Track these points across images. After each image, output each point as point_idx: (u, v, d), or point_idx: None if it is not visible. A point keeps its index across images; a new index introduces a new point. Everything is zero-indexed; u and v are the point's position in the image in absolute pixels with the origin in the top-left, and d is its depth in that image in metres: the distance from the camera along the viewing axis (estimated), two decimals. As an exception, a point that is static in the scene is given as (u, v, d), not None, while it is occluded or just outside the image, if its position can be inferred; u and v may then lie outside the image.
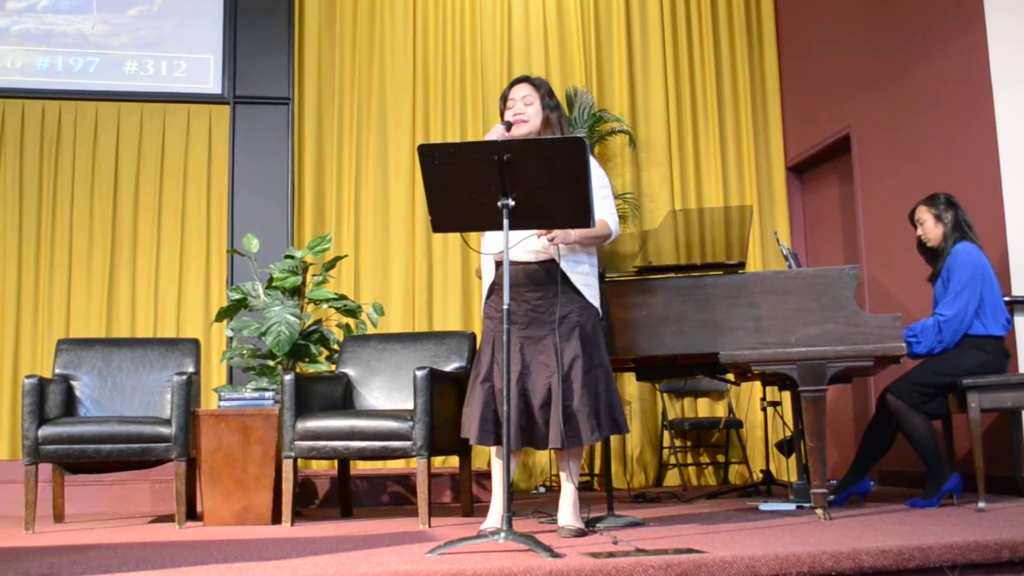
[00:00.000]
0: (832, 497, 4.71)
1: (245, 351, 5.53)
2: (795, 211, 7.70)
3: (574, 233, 3.74)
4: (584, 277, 3.84)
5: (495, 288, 3.88)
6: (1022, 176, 5.28)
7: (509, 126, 3.82)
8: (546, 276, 3.78)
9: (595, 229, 3.78)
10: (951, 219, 4.83)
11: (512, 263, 3.77)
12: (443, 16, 7.60)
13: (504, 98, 3.95)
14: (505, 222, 3.36)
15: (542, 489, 6.76)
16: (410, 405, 4.72)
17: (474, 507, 5.03)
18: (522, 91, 3.91)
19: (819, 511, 4.07)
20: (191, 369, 5.19)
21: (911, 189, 5.97)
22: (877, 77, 6.52)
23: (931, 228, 4.89)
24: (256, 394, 4.83)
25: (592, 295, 3.85)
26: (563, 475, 3.85)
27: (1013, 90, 5.36)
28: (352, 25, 7.51)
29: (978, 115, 5.49)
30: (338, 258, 5.78)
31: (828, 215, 7.42)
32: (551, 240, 3.71)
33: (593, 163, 3.96)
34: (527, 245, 3.74)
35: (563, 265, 3.77)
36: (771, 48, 7.89)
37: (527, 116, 3.86)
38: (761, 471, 6.29)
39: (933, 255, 4.94)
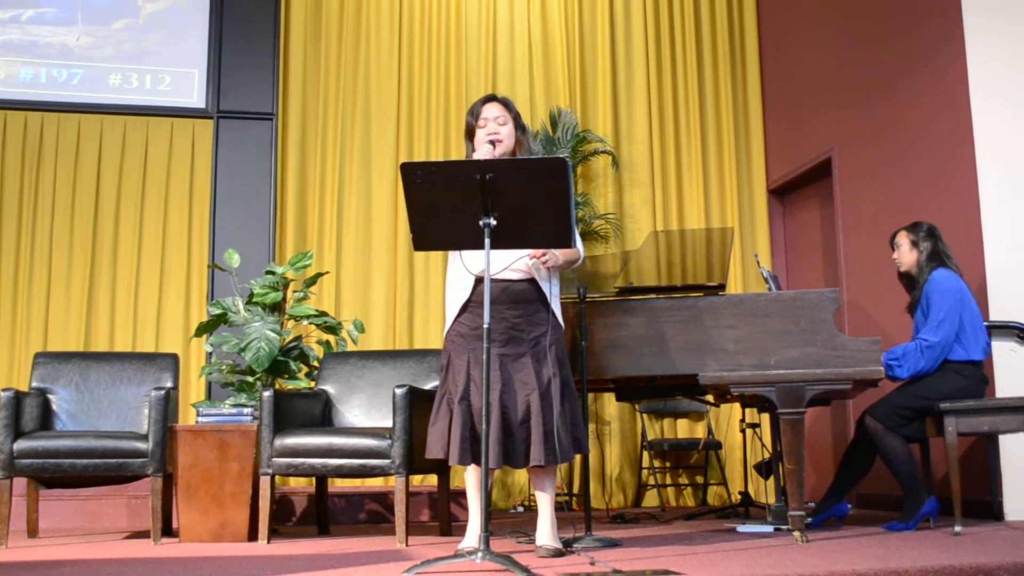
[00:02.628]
0: (810, 519, 4.72)
1: (224, 367, 5.51)
2: (776, 234, 7.75)
3: (560, 256, 3.78)
4: (556, 299, 3.88)
5: (470, 306, 3.85)
6: (1000, 199, 5.33)
7: (494, 144, 3.84)
8: (527, 295, 3.80)
9: (572, 253, 3.84)
10: (928, 248, 4.87)
11: (493, 280, 3.77)
12: (428, 34, 7.63)
13: (475, 115, 3.95)
14: (486, 241, 3.37)
15: (520, 508, 6.75)
16: (389, 423, 4.70)
17: (452, 526, 5.02)
18: (495, 111, 3.92)
19: (796, 533, 4.08)
20: (169, 384, 5.16)
21: (892, 213, 6.01)
22: (859, 100, 6.58)
23: (906, 253, 4.93)
24: (234, 410, 4.80)
25: (560, 315, 3.89)
26: (540, 495, 3.84)
27: (991, 108, 5.41)
28: (337, 42, 7.52)
29: (956, 135, 5.54)
30: (319, 275, 5.77)
31: (809, 238, 7.46)
32: (543, 262, 3.73)
33: None
34: (511, 264, 3.76)
35: (543, 285, 3.81)
36: (754, 71, 7.95)
37: (502, 136, 3.88)
38: (739, 493, 6.29)
39: (910, 283, 4.98)
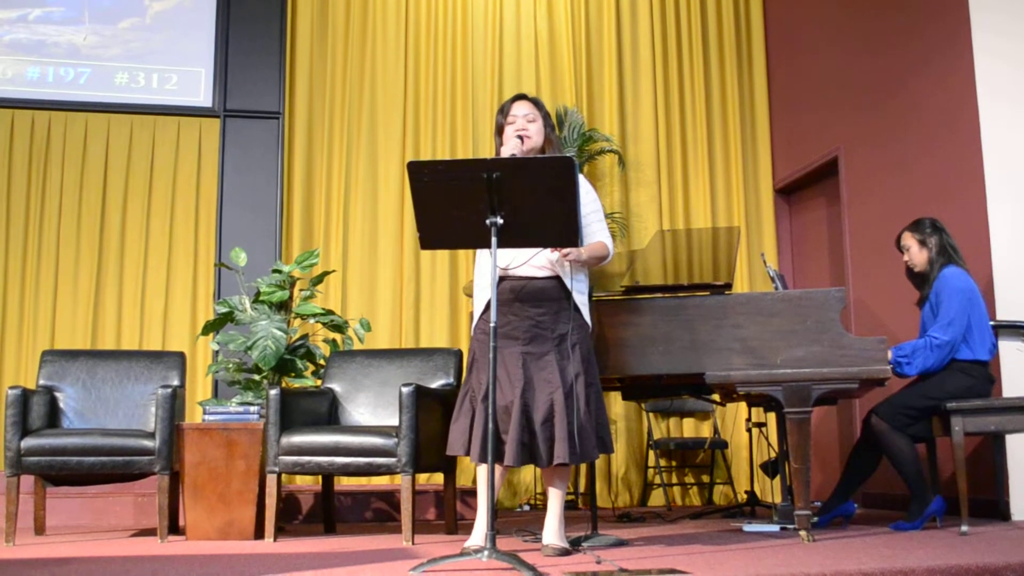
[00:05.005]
0: (816, 519, 4.72)
1: (231, 365, 5.52)
2: (782, 233, 7.74)
3: (585, 252, 3.77)
4: (582, 296, 3.87)
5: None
6: (1007, 199, 5.32)
7: (522, 140, 3.85)
8: (551, 292, 3.80)
9: (598, 249, 3.85)
10: (936, 243, 4.86)
11: (517, 278, 3.78)
12: (435, 33, 7.63)
13: (504, 112, 3.97)
14: (493, 240, 3.38)
15: (526, 507, 6.75)
16: (395, 421, 4.71)
17: (458, 524, 5.02)
18: (524, 108, 3.94)
19: (803, 533, 4.08)
20: (176, 382, 5.17)
21: (898, 212, 6.00)
22: (866, 100, 6.57)
23: (916, 253, 4.92)
24: (241, 408, 4.81)
25: (587, 314, 3.88)
26: (551, 492, 3.84)
27: (998, 108, 5.40)
28: (344, 41, 7.53)
29: (963, 135, 5.53)
30: (326, 273, 5.78)
31: (815, 237, 7.45)
32: (565, 256, 3.72)
33: (588, 186, 4.00)
34: (534, 260, 3.76)
35: (567, 283, 3.79)
36: (760, 70, 7.94)
37: (531, 133, 3.89)
38: (745, 492, 6.29)
39: (920, 280, 4.97)
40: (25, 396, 4.69)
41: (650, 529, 4.90)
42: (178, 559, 3.70)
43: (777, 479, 5.36)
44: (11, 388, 4.67)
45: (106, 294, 6.95)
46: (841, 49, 6.90)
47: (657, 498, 7.07)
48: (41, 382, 5.11)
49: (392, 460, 4.43)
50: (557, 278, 3.81)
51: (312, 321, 5.61)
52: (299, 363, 5.44)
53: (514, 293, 3.78)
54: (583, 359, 3.78)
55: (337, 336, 5.72)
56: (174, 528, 4.87)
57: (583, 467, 6.83)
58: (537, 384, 3.72)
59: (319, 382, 5.35)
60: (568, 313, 3.79)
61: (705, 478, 7.22)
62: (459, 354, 5.21)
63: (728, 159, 7.81)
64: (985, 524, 4.75)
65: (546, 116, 3.99)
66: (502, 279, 3.81)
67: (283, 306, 5.49)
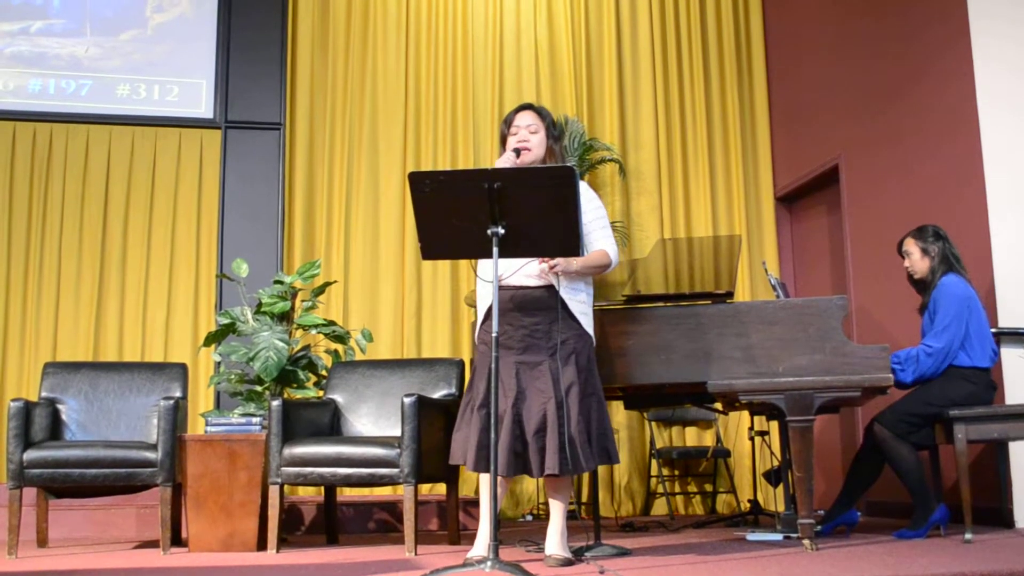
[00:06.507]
0: (819, 527, 4.71)
1: (233, 376, 5.52)
2: (784, 241, 7.74)
3: (575, 262, 3.76)
4: (582, 305, 3.85)
5: (491, 313, 3.84)
6: (1008, 205, 5.32)
7: (519, 153, 3.84)
8: (544, 302, 3.78)
9: (596, 258, 3.83)
10: (938, 252, 4.86)
11: (511, 287, 3.78)
12: (435, 44, 7.64)
13: (508, 123, 3.96)
14: (494, 250, 3.38)
15: (529, 517, 6.74)
16: (398, 432, 4.70)
17: (461, 535, 5.01)
18: (527, 119, 3.93)
19: (806, 541, 4.07)
20: (178, 394, 5.17)
21: (899, 219, 6.00)
22: (866, 107, 6.58)
23: (917, 260, 4.92)
24: (243, 419, 4.81)
25: (588, 323, 3.86)
26: (552, 503, 3.84)
27: (999, 113, 5.39)
28: (344, 52, 7.54)
29: (964, 141, 5.53)
30: (327, 284, 5.78)
31: (816, 245, 7.45)
32: (552, 268, 3.72)
33: (591, 193, 3.99)
34: (526, 270, 3.76)
35: (562, 292, 3.78)
36: (760, 79, 7.95)
37: (531, 144, 3.88)
38: (749, 501, 6.28)
39: (921, 286, 4.97)
40: (27, 408, 4.69)
41: (653, 539, 4.89)
42: (180, 571, 3.70)
43: (780, 488, 5.35)
44: (13, 400, 4.68)
45: (108, 306, 6.95)
46: (841, 56, 6.91)
47: (660, 507, 7.06)
48: (43, 394, 5.11)
49: (394, 471, 4.42)
50: (551, 286, 3.80)
51: (314, 332, 5.61)
52: (301, 374, 5.44)
53: (510, 302, 3.77)
54: (581, 369, 3.76)
55: (339, 347, 5.73)
56: (177, 540, 4.87)
57: (585, 477, 6.83)
58: (530, 394, 3.71)
59: (321, 393, 5.35)
60: (567, 322, 3.77)
61: (708, 487, 7.21)
62: (461, 364, 5.21)
63: (729, 167, 7.81)
64: (989, 532, 4.74)
65: (550, 126, 3.96)
66: (497, 289, 3.81)
67: (285, 317, 5.49)
